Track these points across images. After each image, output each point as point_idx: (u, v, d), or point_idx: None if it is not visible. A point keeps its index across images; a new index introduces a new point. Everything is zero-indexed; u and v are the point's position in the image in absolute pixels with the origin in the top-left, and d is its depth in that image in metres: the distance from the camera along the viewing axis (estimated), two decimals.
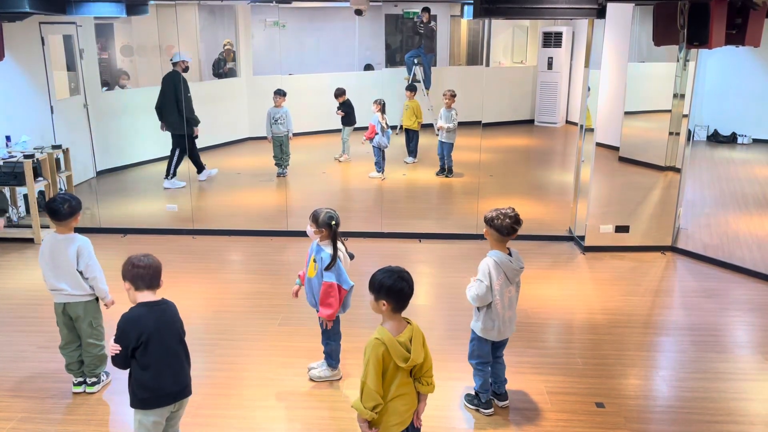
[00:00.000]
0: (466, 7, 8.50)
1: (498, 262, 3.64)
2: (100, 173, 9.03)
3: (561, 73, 13.13)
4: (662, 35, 5.51)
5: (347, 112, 9.70)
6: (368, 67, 12.57)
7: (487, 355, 3.81)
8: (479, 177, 8.25)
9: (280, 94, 8.88)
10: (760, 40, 5.26)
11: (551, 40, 13.20)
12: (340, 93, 9.72)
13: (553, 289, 5.70)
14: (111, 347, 2.98)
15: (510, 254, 3.69)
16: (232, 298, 5.49)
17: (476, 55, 13.80)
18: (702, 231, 7.02)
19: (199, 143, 8.94)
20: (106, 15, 7.59)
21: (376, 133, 8.86)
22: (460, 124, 8.94)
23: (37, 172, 6.71)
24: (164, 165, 8.67)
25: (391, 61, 13.12)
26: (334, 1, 10.85)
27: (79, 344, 4.02)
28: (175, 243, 6.78)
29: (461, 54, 14.03)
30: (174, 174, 8.64)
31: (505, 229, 3.61)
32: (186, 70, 8.61)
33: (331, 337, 4.13)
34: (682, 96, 6.24)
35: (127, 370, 3.04)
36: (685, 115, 6.29)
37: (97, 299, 4.00)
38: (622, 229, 6.54)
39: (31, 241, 6.70)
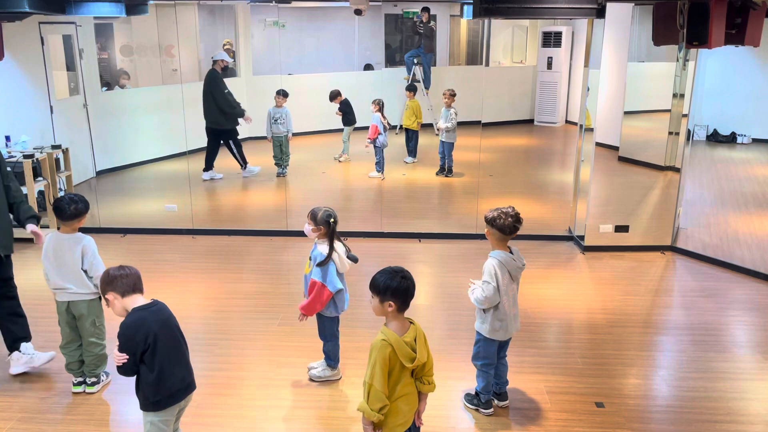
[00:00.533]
0: (465, 7, 8.50)
1: (502, 261, 3.64)
2: (99, 173, 9.02)
3: (561, 73, 13.13)
4: (662, 35, 5.51)
5: (346, 112, 9.70)
6: (368, 67, 12.57)
7: (493, 357, 3.81)
8: (479, 177, 8.25)
9: (281, 94, 8.89)
10: (759, 39, 5.26)
11: (551, 39, 13.19)
12: (335, 95, 9.73)
13: (553, 289, 5.71)
14: (117, 357, 2.93)
15: (511, 252, 3.70)
16: (232, 298, 5.49)
17: (476, 54, 13.80)
18: (701, 231, 7.02)
19: (199, 143, 8.95)
20: (106, 15, 7.58)
21: (380, 133, 8.86)
22: (460, 123, 8.94)
23: (36, 172, 6.71)
24: (163, 165, 8.70)
25: (391, 60, 13.12)
26: (333, 1, 10.85)
27: (79, 344, 4.03)
28: (174, 243, 6.78)
29: (461, 54, 14.03)
30: (245, 162, 9.07)
31: (508, 228, 3.61)
32: (225, 69, 8.99)
33: (327, 337, 4.13)
34: (682, 96, 6.24)
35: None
36: (685, 115, 6.29)
37: (99, 298, 4.00)
38: (621, 228, 6.54)
39: (31, 240, 6.62)
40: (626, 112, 6.34)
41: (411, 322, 2.89)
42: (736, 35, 5.08)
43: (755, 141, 11.59)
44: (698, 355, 4.59)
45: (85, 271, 3.91)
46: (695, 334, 4.89)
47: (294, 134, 9.20)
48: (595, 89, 6.40)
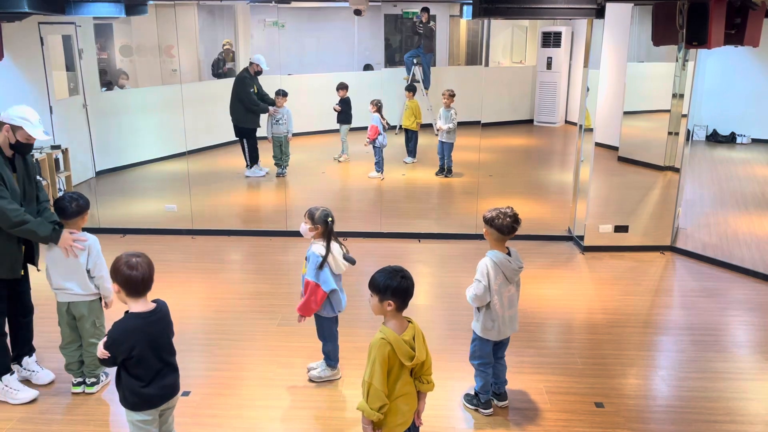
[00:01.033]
0: (465, 7, 8.51)
1: (496, 261, 3.64)
2: (99, 173, 9.02)
3: (560, 73, 13.13)
4: (661, 35, 5.52)
5: (344, 110, 9.69)
6: (367, 67, 12.57)
7: (489, 356, 3.81)
8: (478, 177, 8.25)
9: (281, 94, 8.90)
10: (759, 40, 5.27)
11: (550, 40, 13.20)
12: (342, 86, 9.71)
13: (553, 289, 5.71)
14: (100, 351, 2.95)
15: (509, 254, 3.70)
16: (232, 298, 5.49)
17: (475, 55, 13.80)
18: (701, 231, 7.03)
19: (199, 143, 8.96)
20: (105, 15, 7.59)
21: (380, 134, 8.86)
22: (460, 123, 8.94)
23: (37, 169, 6.69)
24: (163, 165, 8.70)
25: (391, 61, 13.12)
26: (333, 1, 10.85)
27: (79, 344, 4.02)
28: (174, 243, 6.78)
29: (460, 54, 14.03)
30: (252, 163, 9.11)
31: (506, 228, 3.61)
32: (258, 74, 9.07)
33: (325, 337, 4.14)
34: (681, 96, 6.24)
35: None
36: (684, 115, 6.29)
37: (100, 299, 4.01)
38: (621, 228, 6.54)
39: None
40: (626, 112, 6.34)
41: (409, 321, 2.89)
42: (736, 35, 5.09)
43: (755, 141, 11.60)
44: (698, 355, 4.60)
45: (88, 271, 3.91)
46: (695, 334, 4.89)
47: (294, 134, 9.20)
48: (595, 89, 6.40)
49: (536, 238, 6.81)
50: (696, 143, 11.43)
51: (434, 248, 6.69)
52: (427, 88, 11.56)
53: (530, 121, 13.47)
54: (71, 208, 3.85)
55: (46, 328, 4.57)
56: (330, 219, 3.91)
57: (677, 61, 6.16)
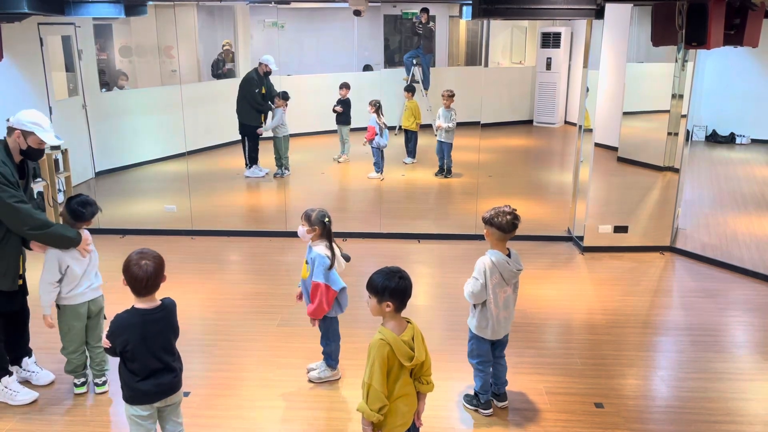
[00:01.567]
0: (464, 8, 8.52)
1: (495, 261, 3.64)
2: (98, 174, 9.02)
3: (560, 74, 13.13)
4: (661, 35, 5.52)
5: (344, 111, 9.69)
6: (367, 68, 12.56)
7: (487, 354, 3.81)
8: (478, 177, 8.25)
9: (282, 96, 8.92)
10: (758, 40, 5.27)
11: (550, 40, 13.20)
12: (345, 86, 9.71)
13: (552, 290, 5.71)
14: (104, 340, 3.05)
15: (509, 255, 3.70)
16: (231, 298, 5.49)
17: (475, 55, 13.80)
18: (701, 231, 7.03)
19: (198, 144, 8.96)
20: (105, 16, 7.59)
21: (377, 134, 8.86)
22: (459, 124, 8.94)
23: (35, 173, 6.65)
24: (162, 166, 8.70)
25: (390, 61, 13.12)
26: (332, 2, 10.85)
27: (84, 346, 4.04)
28: (174, 244, 6.78)
29: (460, 54, 14.03)
30: (252, 163, 9.12)
31: (507, 225, 3.61)
32: (267, 74, 9.10)
33: (330, 337, 4.14)
34: (681, 96, 6.25)
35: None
36: (684, 116, 6.29)
37: None
38: (620, 229, 6.54)
39: None
40: (625, 113, 6.34)
41: (408, 322, 2.89)
42: (735, 36, 5.09)
43: (754, 141, 11.60)
44: (697, 355, 4.60)
45: None
46: (694, 335, 4.89)
47: (293, 135, 9.21)
48: (594, 90, 6.41)
49: (536, 239, 6.81)
50: (695, 143, 11.43)
51: (434, 249, 6.70)
52: (426, 88, 11.56)
53: (530, 122, 13.47)
54: (87, 214, 3.85)
55: (45, 329, 4.56)
56: (327, 219, 3.91)
57: (677, 61, 6.17)
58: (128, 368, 3.01)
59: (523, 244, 6.55)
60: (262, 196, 8.69)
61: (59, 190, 7.26)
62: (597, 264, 6.30)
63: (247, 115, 9.03)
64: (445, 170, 9.11)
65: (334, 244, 4.00)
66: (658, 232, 6.57)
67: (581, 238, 6.60)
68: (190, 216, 7.30)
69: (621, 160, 6.54)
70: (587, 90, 6.59)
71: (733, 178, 9.35)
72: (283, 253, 6.56)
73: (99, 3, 6.75)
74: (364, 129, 9.14)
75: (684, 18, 5.00)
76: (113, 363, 4.03)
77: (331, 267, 3.90)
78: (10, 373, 4.01)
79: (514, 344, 4.51)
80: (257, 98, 9.04)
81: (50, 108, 7.98)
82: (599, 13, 6.00)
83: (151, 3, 7.85)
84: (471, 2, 6.04)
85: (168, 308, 3.08)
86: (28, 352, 4.19)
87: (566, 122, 13.26)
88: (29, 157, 3.84)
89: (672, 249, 6.57)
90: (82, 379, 4.05)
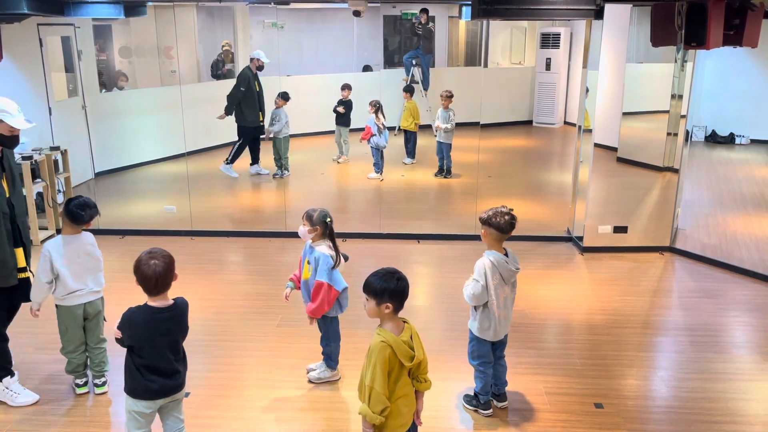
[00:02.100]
0: (464, 8, 8.52)
1: (494, 261, 3.65)
2: (98, 174, 9.02)
3: (559, 74, 13.14)
4: (660, 36, 5.51)
5: (345, 112, 9.68)
6: (367, 68, 12.57)
7: (488, 355, 3.81)
8: (477, 178, 8.25)
9: (282, 97, 8.93)
10: (757, 40, 5.27)
11: (549, 40, 13.21)
12: (347, 87, 9.70)
13: (552, 290, 5.71)
14: (114, 331, 3.05)
15: (506, 254, 3.70)
16: (231, 299, 5.49)
17: (474, 55, 13.81)
18: (700, 231, 7.03)
19: (198, 144, 8.95)
20: (105, 16, 7.60)
21: (373, 135, 8.86)
22: (459, 124, 8.94)
23: (35, 174, 6.71)
24: (162, 166, 8.70)
25: (390, 62, 13.12)
26: (332, 2, 10.85)
27: (85, 346, 4.04)
28: (173, 244, 6.76)
29: (459, 55, 14.03)
30: (231, 160, 8.99)
31: (505, 225, 3.61)
32: (260, 68, 8.99)
33: (330, 338, 4.14)
34: (680, 97, 6.25)
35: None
36: (683, 116, 6.30)
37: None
38: (620, 229, 6.54)
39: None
40: (625, 113, 6.34)
41: (405, 322, 2.89)
42: (734, 36, 5.09)
43: (753, 142, 11.61)
44: (697, 355, 4.60)
45: None
46: (694, 335, 4.89)
47: (292, 135, 9.21)
48: (594, 90, 6.41)
49: (535, 239, 6.81)
50: (695, 144, 11.44)
51: (433, 249, 6.70)
52: (426, 89, 11.57)
53: (529, 122, 13.48)
54: (86, 216, 3.84)
55: (44, 330, 4.57)
56: (329, 219, 3.92)
57: (676, 61, 6.17)
58: (135, 363, 3.03)
59: (523, 245, 6.56)
60: (261, 196, 8.69)
61: (59, 191, 7.26)
62: (597, 264, 6.30)
63: (239, 117, 8.92)
64: (444, 171, 9.11)
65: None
66: (657, 233, 6.57)
67: (581, 239, 6.61)
68: (189, 216, 7.30)
69: (620, 160, 6.54)
70: (587, 90, 6.59)
71: (732, 179, 9.36)
72: (283, 254, 6.56)
73: (98, 4, 6.76)
74: (363, 129, 9.14)
75: (683, 18, 4.99)
76: (113, 363, 4.06)
77: (335, 266, 3.90)
78: (12, 374, 4.00)
79: (513, 345, 4.52)
80: (236, 94, 8.89)
81: (50, 109, 7.98)
82: (599, 14, 6.00)
83: (150, 4, 7.86)
84: (470, 3, 6.05)
85: (180, 308, 3.10)
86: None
87: (566, 122, 13.27)
88: (5, 146, 3.79)
89: (671, 249, 6.57)
90: (84, 379, 4.06)
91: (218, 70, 11.32)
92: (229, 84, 9.27)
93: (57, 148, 7.37)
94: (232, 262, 6.55)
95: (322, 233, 3.94)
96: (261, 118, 9.05)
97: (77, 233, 3.90)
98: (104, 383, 4.07)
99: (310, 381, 4.19)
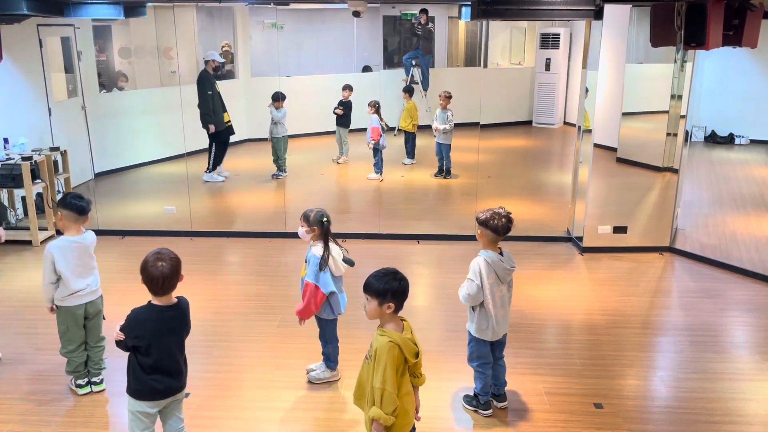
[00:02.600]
0: (463, 9, 8.52)
1: (489, 261, 3.65)
2: (98, 175, 9.02)
3: (559, 74, 13.15)
4: (659, 36, 5.52)
5: (345, 113, 9.69)
6: (366, 69, 12.58)
7: (487, 356, 3.81)
8: (477, 178, 8.25)
9: (279, 98, 8.93)
10: (757, 41, 5.27)
11: (549, 41, 13.22)
12: (347, 87, 9.68)
13: (551, 290, 5.71)
14: (116, 333, 3.05)
15: (501, 253, 3.71)
16: (231, 299, 5.49)
17: (474, 56, 13.82)
18: (700, 231, 7.03)
19: (198, 145, 8.94)
20: (104, 17, 7.59)
21: (381, 135, 8.86)
22: (458, 125, 8.94)
23: (35, 174, 6.71)
24: (162, 167, 8.70)
25: (389, 62, 13.13)
26: (332, 3, 10.86)
27: (84, 345, 4.04)
28: (173, 245, 6.69)
29: (459, 55, 14.04)
30: (213, 168, 8.92)
31: (502, 228, 3.62)
32: (216, 69, 8.86)
33: (327, 339, 4.14)
34: (680, 97, 6.25)
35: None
36: (683, 116, 6.30)
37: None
38: (620, 229, 6.55)
39: (29, 243, 6.70)
40: (624, 114, 6.35)
41: (402, 320, 2.90)
42: (734, 36, 5.09)
43: (753, 142, 11.62)
44: (697, 355, 4.60)
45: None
46: (693, 335, 4.90)
47: (291, 136, 9.20)
48: (594, 90, 6.41)
49: (535, 239, 6.81)
50: (694, 144, 11.45)
51: (433, 249, 6.70)
52: (425, 89, 11.57)
53: (529, 123, 13.49)
54: (87, 205, 3.87)
55: (44, 330, 4.58)
56: (325, 219, 3.92)
57: (675, 62, 6.17)
58: (140, 363, 3.03)
59: (523, 245, 6.57)
60: (261, 197, 8.69)
61: (58, 192, 7.26)
62: (596, 264, 6.30)
63: (218, 117, 8.75)
64: (444, 171, 9.11)
65: (338, 247, 4.00)
66: (657, 233, 6.57)
67: (580, 239, 6.61)
68: (189, 217, 7.30)
69: (620, 160, 6.54)
70: (586, 91, 6.59)
71: (732, 179, 9.36)
72: (283, 254, 6.56)
73: (98, 4, 6.76)
74: (363, 130, 9.14)
75: (683, 18, 5.00)
76: (111, 362, 4.06)
77: (321, 267, 3.89)
78: None
79: (513, 345, 4.52)
80: (207, 105, 8.68)
81: (49, 109, 7.99)
82: (598, 14, 6.01)
83: (150, 4, 7.86)
84: (470, 3, 6.05)
85: (184, 306, 3.13)
86: None
87: (565, 123, 13.27)
88: None
89: (671, 249, 6.57)
90: (85, 379, 4.06)
91: (218, 71, 11.32)
92: (229, 84, 9.27)
93: (57, 149, 7.37)
94: (231, 262, 6.55)
95: (319, 233, 3.95)
96: (227, 119, 8.94)
97: (80, 233, 3.90)
98: (102, 381, 4.08)
99: (309, 381, 4.19)
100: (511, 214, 3.67)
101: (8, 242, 6.70)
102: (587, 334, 4.91)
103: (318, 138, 11.12)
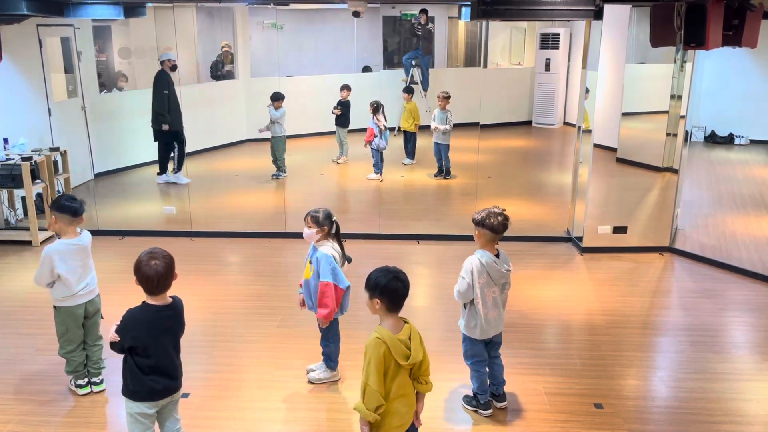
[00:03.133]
0: (463, 9, 8.52)
1: (483, 262, 3.66)
2: (98, 175, 9.02)
3: (558, 75, 13.15)
4: (659, 36, 5.52)
5: (343, 113, 9.69)
6: (366, 69, 12.58)
7: (481, 354, 3.82)
8: (477, 178, 8.25)
9: (278, 98, 8.94)
10: (756, 41, 5.27)
11: (549, 41, 13.22)
12: (346, 87, 9.69)
13: (551, 290, 5.71)
14: (111, 334, 3.04)
15: (498, 255, 3.70)
16: (231, 300, 5.49)
17: (474, 56, 13.82)
18: (699, 232, 7.03)
19: (198, 145, 8.94)
20: (104, 17, 7.60)
21: (375, 136, 8.87)
22: (458, 125, 8.94)
23: (34, 175, 6.70)
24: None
25: (389, 62, 13.13)
26: (332, 3, 10.86)
27: (83, 345, 4.04)
28: (173, 245, 6.72)
29: (459, 55, 14.04)
30: (174, 168, 8.77)
31: (498, 227, 3.63)
32: (173, 68, 8.65)
33: (329, 338, 4.14)
34: (680, 97, 6.26)
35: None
36: (683, 116, 6.30)
37: None
38: (619, 230, 6.55)
39: (29, 243, 6.70)
40: (624, 114, 6.35)
41: (405, 322, 2.89)
42: (734, 36, 5.09)
43: (753, 142, 11.62)
44: (696, 356, 4.60)
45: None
46: (693, 335, 4.90)
47: (291, 136, 9.20)
48: (593, 91, 6.41)
49: (535, 240, 6.81)
50: (694, 144, 11.45)
51: (433, 250, 6.70)
52: (425, 89, 11.57)
53: (529, 123, 13.49)
54: (80, 206, 3.87)
55: (44, 331, 4.58)
56: (334, 218, 3.94)
57: (675, 62, 6.17)
58: (137, 364, 3.01)
59: (522, 245, 6.57)
60: (261, 197, 8.69)
61: (58, 192, 7.26)
62: (596, 265, 6.30)
63: (176, 118, 8.61)
64: (443, 171, 9.11)
65: (337, 243, 4.01)
66: (657, 233, 6.57)
67: (580, 239, 6.61)
68: (189, 217, 7.30)
69: (620, 160, 6.55)
70: (586, 91, 6.59)
71: (731, 179, 9.36)
72: (283, 254, 6.56)
73: (98, 4, 6.76)
74: (364, 130, 9.14)
75: (682, 19, 5.00)
76: (112, 361, 4.05)
77: (341, 265, 3.91)
78: None
79: (513, 345, 4.53)
80: (163, 103, 8.51)
81: (49, 109, 7.99)
82: (598, 14, 6.01)
83: (150, 4, 7.86)
84: (470, 3, 6.05)
85: (179, 305, 3.13)
86: None
87: (565, 123, 13.28)
88: None
89: (671, 249, 6.57)
90: (85, 379, 4.06)
91: (218, 71, 11.33)
92: (229, 85, 9.27)
93: (56, 149, 7.37)
94: (231, 262, 6.55)
95: (328, 232, 3.95)
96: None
97: (77, 235, 3.90)
98: (101, 381, 4.09)
99: (309, 381, 4.19)
100: (506, 211, 3.67)
101: (8, 242, 6.71)
102: (587, 334, 4.91)
103: (318, 138, 11.12)
